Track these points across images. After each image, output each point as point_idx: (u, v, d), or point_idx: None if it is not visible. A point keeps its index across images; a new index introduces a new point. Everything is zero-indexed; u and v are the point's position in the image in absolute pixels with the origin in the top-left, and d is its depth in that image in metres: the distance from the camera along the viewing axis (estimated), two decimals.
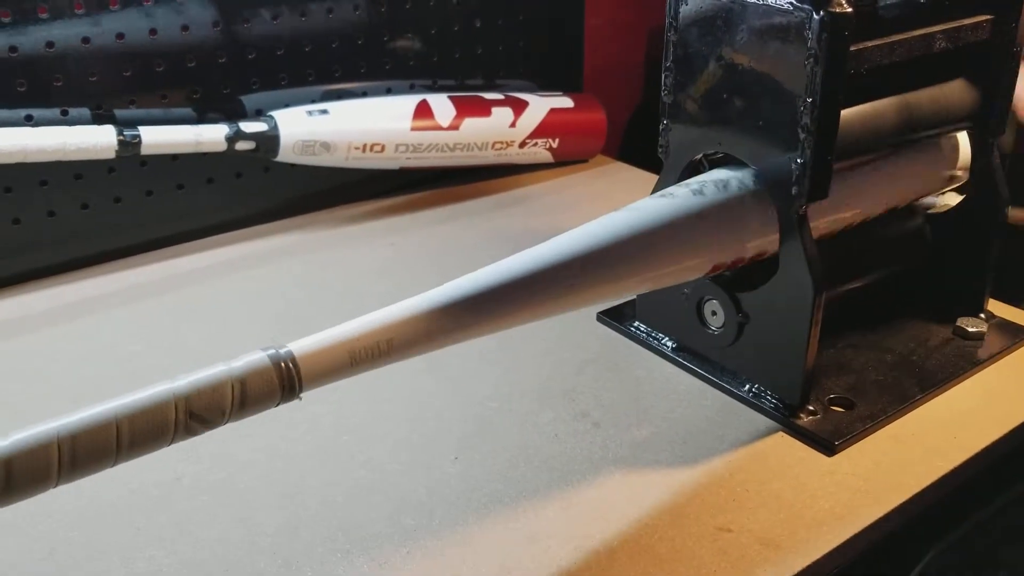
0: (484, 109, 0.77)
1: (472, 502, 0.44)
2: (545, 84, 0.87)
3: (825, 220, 0.50)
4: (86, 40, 0.62)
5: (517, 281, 0.42)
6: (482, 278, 0.41)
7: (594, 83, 0.92)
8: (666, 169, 0.52)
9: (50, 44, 0.61)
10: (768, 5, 0.44)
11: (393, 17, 0.76)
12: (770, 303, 0.49)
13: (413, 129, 0.73)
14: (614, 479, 0.45)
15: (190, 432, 0.32)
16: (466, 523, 0.42)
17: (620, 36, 0.99)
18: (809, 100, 0.43)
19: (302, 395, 0.35)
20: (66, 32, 0.62)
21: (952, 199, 0.58)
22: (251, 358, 0.34)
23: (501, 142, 0.79)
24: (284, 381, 0.34)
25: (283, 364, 0.34)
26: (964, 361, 0.54)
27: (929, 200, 0.58)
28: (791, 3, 0.43)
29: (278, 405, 0.35)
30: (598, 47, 0.94)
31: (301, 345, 0.35)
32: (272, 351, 0.35)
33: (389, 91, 0.78)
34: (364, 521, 0.42)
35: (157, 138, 0.63)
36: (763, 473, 0.46)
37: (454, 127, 0.75)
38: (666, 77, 0.50)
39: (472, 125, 0.76)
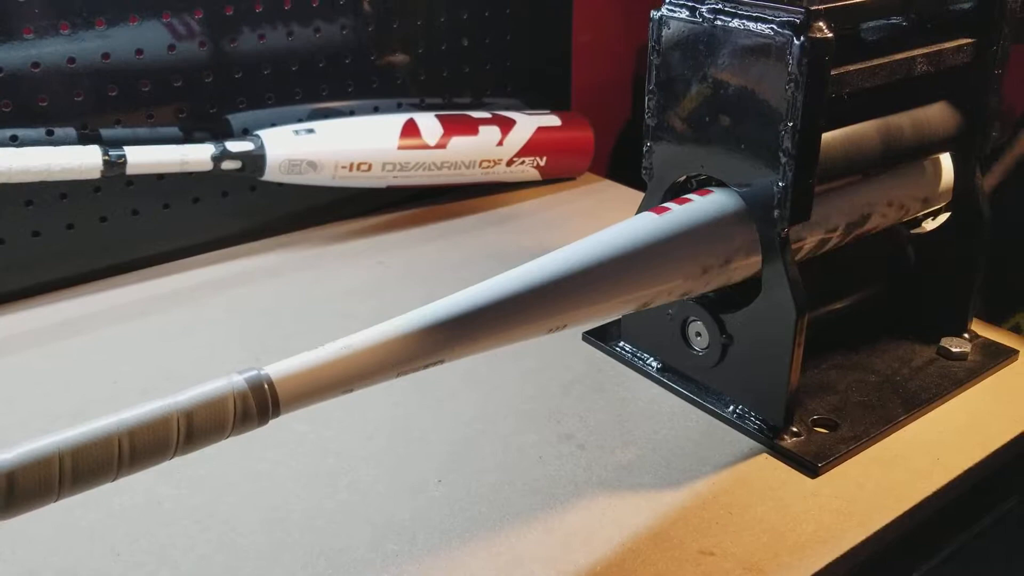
0: (471, 128, 0.78)
1: (455, 526, 0.44)
2: (533, 102, 0.87)
3: (808, 242, 0.50)
4: (71, 60, 0.62)
5: (501, 302, 0.42)
6: (466, 299, 0.41)
7: (582, 101, 0.92)
8: (650, 191, 0.53)
9: (35, 64, 0.61)
10: (749, 30, 0.44)
11: (380, 36, 0.76)
12: (753, 325, 0.49)
13: (400, 148, 0.73)
14: (598, 502, 0.45)
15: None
16: (449, 548, 0.42)
17: (608, 54, 1.00)
18: (790, 124, 0.43)
19: (278, 418, 0.35)
20: (51, 52, 0.62)
21: (936, 220, 0.58)
22: (228, 381, 0.34)
23: (488, 160, 0.79)
24: (260, 405, 0.34)
25: (259, 387, 0.34)
26: (948, 381, 0.54)
27: (913, 221, 0.58)
28: (772, 28, 0.43)
29: (253, 429, 0.34)
30: (586, 65, 0.94)
31: (279, 368, 0.35)
32: (249, 374, 0.34)
33: (376, 110, 0.78)
34: (346, 546, 0.42)
35: (142, 158, 0.63)
36: (746, 496, 0.46)
37: (441, 146, 0.75)
38: (649, 100, 0.50)
39: (459, 144, 0.76)
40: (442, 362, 0.40)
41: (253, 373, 0.35)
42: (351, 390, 0.37)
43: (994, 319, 0.61)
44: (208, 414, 0.33)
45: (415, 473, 0.47)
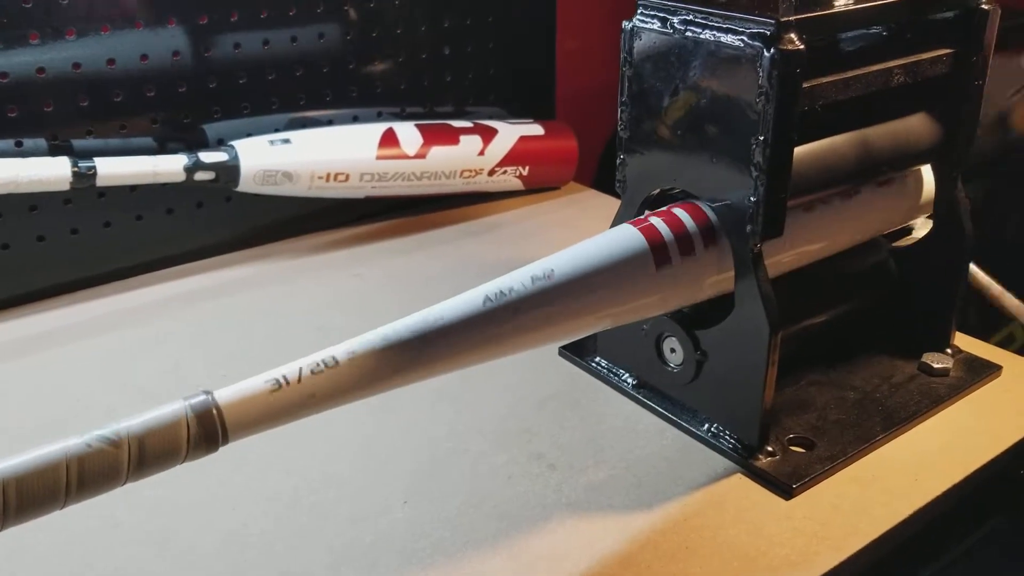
0: (452, 137, 0.77)
1: (418, 551, 0.42)
2: (516, 111, 0.86)
3: (783, 257, 0.49)
4: (41, 70, 0.61)
5: (467, 320, 0.40)
6: (431, 317, 0.40)
7: (569, 110, 0.91)
8: (624, 204, 0.52)
9: (3, 75, 0.60)
10: (720, 41, 0.43)
11: (359, 44, 0.75)
12: (727, 341, 0.48)
13: (379, 158, 0.72)
14: (566, 525, 0.44)
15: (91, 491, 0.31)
16: (410, 574, 0.41)
17: (595, 63, 0.99)
18: (761, 138, 0.42)
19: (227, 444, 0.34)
20: (20, 62, 0.60)
21: (917, 233, 0.57)
22: (171, 408, 0.33)
23: (470, 170, 0.78)
24: (208, 432, 0.33)
25: (207, 414, 0.33)
26: (928, 398, 0.53)
27: (895, 233, 0.57)
28: (742, 39, 0.42)
29: (202, 457, 0.33)
30: (573, 74, 0.93)
31: (227, 393, 0.34)
32: (195, 399, 0.33)
33: (356, 119, 0.77)
34: (304, 571, 0.41)
35: (113, 170, 0.62)
36: (718, 518, 0.45)
37: (421, 156, 0.74)
38: (622, 112, 0.49)
39: (439, 153, 0.75)
40: (404, 384, 0.39)
41: (201, 399, 0.34)
42: (306, 415, 0.36)
43: (990, 329, 0.59)
44: (157, 442, 0.32)
45: (380, 495, 0.46)
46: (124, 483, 0.32)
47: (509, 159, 0.79)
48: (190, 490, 0.46)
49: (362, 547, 0.43)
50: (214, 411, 0.33)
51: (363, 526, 0.44)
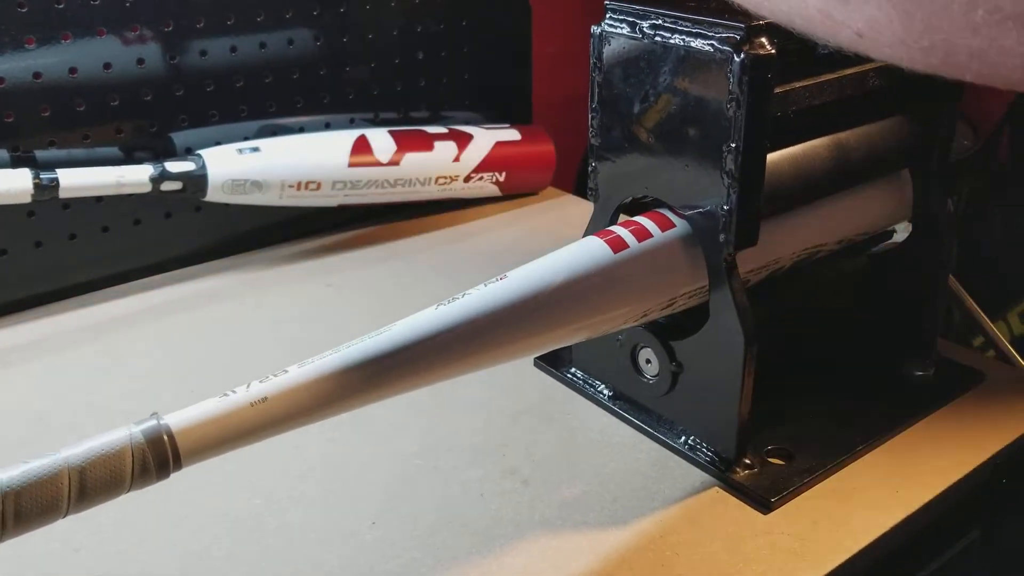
0: (426, 143, 0.75)
1: (387, 572, 0.41)
2: (493, 116, 0.85)
3: (759, 265, 0.48)
4: (0, 80, 0.60)
5: (434, 337, 0.39)
6: (398, 335, 0.39)
7: (548, 114, 0.90)
8: (595, 212, 0.50)
9: None
10: (690, 46, 0.42)
11: (330, 50, 0.74)
12: (703, 352, 0.47)
13: (351, 165, 0.71)
14: (539, 544, 0.43)
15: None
16: None
17: (574, 66, 0.97)
18: (732, 145, 0.41)
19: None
20: None
21: (897, 238, 0.56)
22: (119, 435, 0.31)
23: (445, 177, 0.76)
24: (159, 459, 0.32)
25: (159, 440, 0.32)
26: (910, 408, 0.52)
27: (877, 237, 0.56)
28: (712, 44, 0.41)
29: (151, 484, 0.32)
30: (552, 77, 0.92)
31: (180, 418, 0.33)
32: (146, 425, 0.32)
33: (328, 126, 0.75)
34: None
35: (76, 181, 0.60)
36: (695, 534, 0.44)
37: (394, 162, 0.73)
38: (592, 118, 0.48)
39: (413, 160, 0.74)
40: (369, 403, 0.38)
41: (152, 424, 0.32)
42: (262, 439, 0.34)
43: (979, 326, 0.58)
44: (102, 472, 0.31)
45: (348, 515, 0.45)
46: (65, 515, 0.30)
47: (485, 165, 0.78)
48: (151, 512, 0.45)
49: (329, 570, 0.41)
50: (165, 437, 0.32)
51: (330, 548, 0.43)
